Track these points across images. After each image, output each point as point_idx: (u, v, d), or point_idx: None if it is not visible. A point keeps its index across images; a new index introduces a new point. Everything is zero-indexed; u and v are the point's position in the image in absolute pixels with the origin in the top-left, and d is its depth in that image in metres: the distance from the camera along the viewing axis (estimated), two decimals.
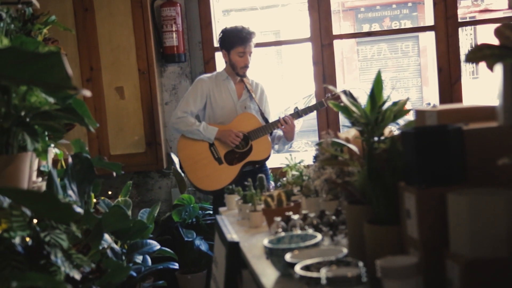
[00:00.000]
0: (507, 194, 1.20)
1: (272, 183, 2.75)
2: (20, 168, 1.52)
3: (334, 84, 4.41)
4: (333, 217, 1.94)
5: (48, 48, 1.68)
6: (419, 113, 1.62)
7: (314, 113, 4.19)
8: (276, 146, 4.00)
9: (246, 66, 3.82)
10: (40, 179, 1.99)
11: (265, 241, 1.74)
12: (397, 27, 16.68)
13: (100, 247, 2.06)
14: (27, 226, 1.40)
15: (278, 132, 3.96)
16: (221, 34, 3.87)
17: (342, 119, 4.26)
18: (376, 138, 1.62)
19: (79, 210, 1.25)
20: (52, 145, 2.05)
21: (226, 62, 3.90)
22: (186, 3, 4.44)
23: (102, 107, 4.23)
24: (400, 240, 1.42)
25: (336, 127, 4.34)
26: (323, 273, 1.28)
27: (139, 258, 3.56)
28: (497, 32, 1.27)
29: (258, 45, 4.00)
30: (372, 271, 1.36)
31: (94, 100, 4.20)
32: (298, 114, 3.84)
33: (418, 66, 17.54)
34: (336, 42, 4.45)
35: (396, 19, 17.72)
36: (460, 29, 4.37)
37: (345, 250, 1.59)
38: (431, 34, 4.44)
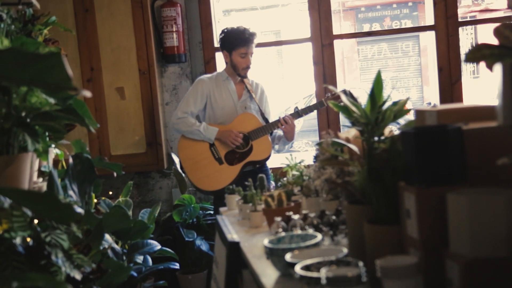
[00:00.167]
0: (507, 194, 1.20)
1: (273, 183, 2.75)
2: (20, 169, 1.52)
3: (335, 84, 4.41)
4: (333, 217, 1.94)
5: (48, 48, 1.68)
6: (419, 113, 1.62)
7: (315, 113, 4.20)
8: (277, 146, 4.00)
9: (247, 67, 3.83)
10: (41, 179, 1.99)
11: (265, 241, 1.74)
12: (398, 27, 16.68)
13: (101, 247, 2.06)
14: (28, 227, 1.40)
15: (279, 132, 3.96)
16: (222, 34, 3.87)
17: (343, 119, 4.26)
18: (376, 138, 1.62)
19: (79, 210, 1.25)
20: (53, 145, 2.06)
21: (226, 63, 3.90)
22: (186, 4, 4.44)
23: (103, 107, 4.24)
24: (400, 240, 1.42)
25: (336, 127, 4.34)
26: (323, 273, 1.28)
27: (139, 258, 3.57)
28: (496, 32, 1.27)
29: (258, 45, 4.00)
30: (372, 271, 1.36)
31: (95, 101, 4.20)
32: (298, 114, 3.84)
33: (419, 65, 17.55)
34: (336, 42, 4.45)
35: (397, 19, 17.72)
36: (460, 28, 4.37)
37: (345, 250, 1.60)
38: (432, 34, 4.44)
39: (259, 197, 2.40)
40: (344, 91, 3.65)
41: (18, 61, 1.08)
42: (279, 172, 2.91)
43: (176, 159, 4.20)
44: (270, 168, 3.99)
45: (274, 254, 1.67)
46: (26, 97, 1.52)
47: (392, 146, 1.48)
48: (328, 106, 3.88)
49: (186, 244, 4.09)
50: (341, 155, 1.89)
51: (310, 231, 1.86)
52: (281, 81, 17.01)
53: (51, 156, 2.08)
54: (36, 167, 1.85)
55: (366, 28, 17.46)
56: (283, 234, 1.83)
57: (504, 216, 1.18)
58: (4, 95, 1.47)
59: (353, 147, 1.74)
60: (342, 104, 1.70)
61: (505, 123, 1.31)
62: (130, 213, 3.46)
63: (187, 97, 3.85)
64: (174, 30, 4.30)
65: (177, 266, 3.87)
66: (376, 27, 17.45)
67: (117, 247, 3.10)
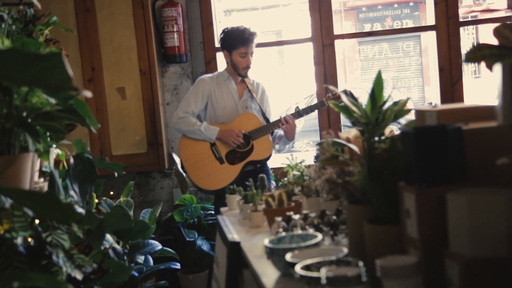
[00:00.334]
0: (507, 193, 1.20)
1: (274, 183, 2.75)
2: (21, 169, 1.52)
3: (336, 84, 4.41)
4: (334, 217, 1.94)
5: (49, 49, 1.69)
6: (419, 113, 1.63)
7: (316, 113, 4.20)
8: (277, 146, 4.00)
9: (247, 67, 3.83)
10: (42, 179, 1.99)
11: (266, 241, 1.75)
12: (399, 27, 16.67)
13: (102, 247, 2.06)
14: (29, 227, 1.40)
15: (279, 131, 3.96)
16: (223, 34, 3.87)
17: (343, 119, 4.26)
18: (376, 138, 1.62)
19: (80, 210, 1.26)
20: (54, 145, 2.06)
21: (227, 63, 3.91)
22: (187, 4, 4.45)
23: (104, 107, 4.24)
24: (400, 239, 1.42)
25: (337, 127, 4.34)
26: (323, 273, 1.28)
27: (141, 258, 3.57)
28: (496, 32, 1.27)
29: (259, 45, 4.01)
30: (372, 270, 1.36)
31: (96, 101, 4.21)
32: (299, 113, 3.84)
33: (420, 65, 17.54)
34: (337, 42, 4.45)
35: (398, 19, 17.71)
36: (461, 28, 4.37)
37: (345, 250, 1.60)
38: (433, 34, 4.44)
39: (259, 197, 2.40)
40: (345, 91, 3.65)
41: (18, 62, 1.08)
42: (280, 172, 2.92)
43: (177, 159, 4.21)
44: (271, 168, 3.99)
45: (274, 254, 1.67)
46: (27, 97, 1.52)
47: (392, 146, 1.48)
48: (329, 106, 3.88)
49: (187, 244, 4.09)
50: (341, 155, 1.89)
51: (311, 231, 1.86)
52: (282, 81, 17.01)
53: (52, 156, 2.08)
54: (37, 167, 1.85)
55: (367, 28, 17.45)
56: (283, 234, 1.84)
57: (503, 216, 1.18)
58: (5, 95, 1.48)
59: (354, 147, 1.74)
60: (342, 104, 1.70)
61: (504, 123, 1.31)
62: (131, 213, 3.46)
63: (188, 97, 3.86)
64: (175, 30, 4.31)
65: (178, 266, 3.88)
66: (377, 27, 17.44)
67: (118, 247, 3.11)
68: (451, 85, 4.32)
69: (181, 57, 4.37)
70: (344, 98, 1.68)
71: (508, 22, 1.31)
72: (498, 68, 1.29)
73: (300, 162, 2.69)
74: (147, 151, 4.27)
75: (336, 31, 4.45)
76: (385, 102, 1.63)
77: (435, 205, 1.29)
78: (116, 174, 2.35)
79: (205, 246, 4.07)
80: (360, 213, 1.57)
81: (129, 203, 3.63)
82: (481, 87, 14.11)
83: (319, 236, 1.74)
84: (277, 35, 16.93)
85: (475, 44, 1.29)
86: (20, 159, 1.51)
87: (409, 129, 1.39)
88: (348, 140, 1.91)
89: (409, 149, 1.36)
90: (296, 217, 1.98)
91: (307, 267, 1.45)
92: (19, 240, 1.43)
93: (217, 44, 4.39)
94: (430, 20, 4.17)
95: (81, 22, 4.20)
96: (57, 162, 2.33)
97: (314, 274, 1.39)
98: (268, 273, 1.72)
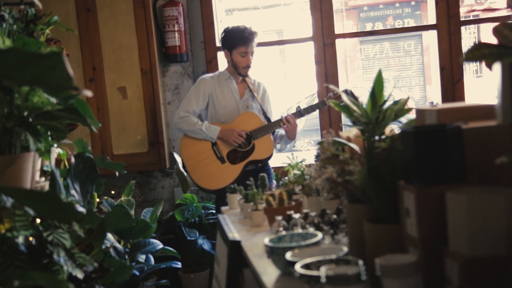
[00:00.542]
0: (506, 192, 1.20)
1: (275, 182, 2.76)
2: (23, 168, 1.53)
3: (337, 83, 4.41)
4: (334, 216, 1.94)
5: (50, 48, 1.69)
6: (419, 112, 1.63)
7: (316, 112, 4.20)
8: (278, 145, 4.01)
9: (248, 66, 3.83)
10: (43, 178, 2.00)
11: (266, 240, 1.75)
12: (401, 26, 16.66)
13: (103, 247, 2.07)
14: (30, 226, 1.41)
15: (280, 131, 3.96)
16: (223, 33, 3.88)
17: (344, 118, 4.27)
18: (377, 137, 1.62)
19: (81, 209, 1.26)
20: (55, 145, 2.06)
21: (228, 62, 3.91)
22: (188, 3, 4.45)
23: (105, 107, 4.25)
24: (400, 238, 1.42)
25: (338, 126, 4.34)
26: (323, 272, 1.28)
27: (142, 257, 3.58)
28: (496, 31, 1.27)
29: (260, 44, 4.01)
30: (372, 269, 1.37)
31: (97, 100, 4.22)
32: (300, 113, 3.85)
33: (421, 65, 17.53)
34: (339, 41, 4.45)
35: (400, 18, 17.70)
36: (463, 27, 4.37)
37: (345, 249, 1.60)
38: (434, 33, 4.44)
39: (260, 196, 2.41)
40: (345, 91, 3.66)
41: (19, 61, 1.09)
42: (281, 171, 2.92)
43: (178, 158, 4.21)
44: (272, 167, 4.00)
45: (274, 253, 1.68)
46: (28, 96, 1.53)
47: (392, 145, 1.49)
48: (330, 106, 3.89)
49: (188, 243, 4.10)
50: (342, 154, 1.90)
51: (311, 230, 1.87)
52: (283, 80, 17.01)
53: (53, 156, 2.09)
54: (38, 166, 1.85)
55: (368, 27, 17.44)
56: (283, 233, 1.84)
57: (503, 215, 1.18)
58: (6, 95, 1.48)
59: (354, 146, 1.74)
60: (343, 103, 1.70)
61: (504, 122, 1.31)
62: (132, 212, 3.46)
63: (189, 96, 3.86)
64: (176, 29, 4.31)
65: (179, 265, 3.88)
66: (379, 26, 17.43)
67: (119, 246, 3.11)
68: (452, 84, 4.31)
69: (182, 56, 4.37)
70: (344, 97, 1.68)
71: (509, 22, 1.31)
72: (497, 67, 1.29)
73: (301, 161, 2.69)
74: (148, 151, 4.28)
75: (338, 30, 4.45)
76: (385, 102, 1.64)
77: (434, 204, 1.29)
78: (117, 174, 2.36)
79: (206, 245, 4.07)
80: (360, 212, 1.57)
81: (130, 202, 3.64)
82: (482, 86, 14.09)
83: (319, 235, 1.74)
84: (278, 34, 16.93)
85: (476, 43, 1.29)
86: (21, 159, 1.51)
87: (408, 128, 1.39)
88: (348, 139, 1.91)
89: (409, 148, 1.36)
90: (297, 216, 1.99)
91: (307, 266, 1.46)
92: (20, 239, 1.44)
93: (218, 44, 4.40)
94: (432, 19, 4.17)
95: (82, 22, 4.20)
96: (58, 161, 2.34)
97: (314, 273, 1.40)
98: (269, 272, 1.72)
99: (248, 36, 3.77)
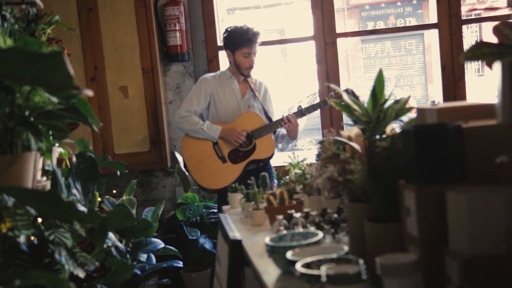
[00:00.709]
0: (506, 192, 1.20)
1: (276, 181, 2.76)
2: (24, 168, 1.53)
3: (338, 83, 4.41)
4: (335, 215, 1.95)
5: (51, 48, 1.70)
6: (420, 111, 1.63)
7: (318, 112, 4.20)
8: (280, 145, 4.01)
9: (251, 67, 3.83)
10: (44, 178, 2.00)
11: (267, 239, 1.75)
12: (402, 25, 16.65)
13: (105, 246, 2.08)
14: (32, 225, 1.41)
15: (282, 130, 3.96)
16: (226, 34, 3.87)
17: (346, 118, 4.26)
18: (377, 136, 1.62)
19: (82, 209, 1.26)
20: (57, 144, 2.07)
21: (230, 62, 3.91)
22: (189, 2, 4.45)
23: (106, 106, 4.25)
24: (400, 237, 1.43)
25: (339, 126, 4.34)
26: (323, 271, 1.29)
27: (143, 257, 3.58)
28: (496, 30, 1.27)
29: (262, 43, 4.01)
30: (372, 268, 1.37)
31: (98, 99, 4.22)
32: (301, 112, 3.85)
33: (423, 64, 17.52)
34: (340, 40, 4.45)
35: (401, 17, 17.69)
36: (465, 26, 4.36)
37: (346, 248, 1.60)
38: (435, 32, 4.43)
39: (261, 195, 2.41)
40: (346, 90, 3.66)
41: (20, 61, 1.09)
42: (282, 171, 2.92)
43: (179, 157, 4.22)
44: (273, 166, 4.00)
45: (275, 252, 1.68)
46: (29, 96, 1.53)
47: (392, 145, 1.49)
48: (331, 105, 3.89)
49: (189, 242, 4.10)
50: (342, 153, 1.90)
51: (312, 229, 1.87)
52: (285, 79, 17.01)
53: (55, 155, 2.09)
54: (39, 166, 1.86)
55: (370, 26, 17.43)
56: (284, 232, 1.84)
57: (503, 214, 1.19)
58: (7, 94, 1.49)
59: (355, 145, 1.74)
60: (344, 102, 1.70)
61: (504, 121, 1.31)
62: (133, 211, 3.47)
63: (191, 96, 3.86)
64: (177, 29, 4.31)
65: (180, 264, 3.89)
66: (381, 25, 17.42)
67: (120, 245, 3.12)
68: (453, 83, 4.31)
69: (184, 55, 4.38)
70: (345, 96, 1.68)
71: (509, 21, 1.31)
72: (497, 66, 1.29)
73: (302, 161, 2.69)
74: (150, 150, 4.28)
75: (339, 29, 4.45)
76: (386, 101, 1.64)
77: (435, 203, 1.30)
78: (118, 173, 2.37)
79: (207, 245, 4.08)
80: (361, 211, 1.57)
81: (131, 201, 3.64)
82: (484, 85, 14.08)
83: (320, 234, 1.74)
84: (280, 34, 16.93)
85: (477, 42, 1.29)
86: (22, 158, 1.52)
87: (409, 127, 1.40)
88: (349, 138, 1.92)
89: (409, 147, 1.36)
90: (298, 215, 1.99)
91: (307, 265, 1.46)
92: (21, 239, 1.44)
93: (220, 43, 4.40)
94: (433, 18, 4.17)
95: (84, 21, 4.21)
96: (59, 160, 2.34)
97: (314, 272, 1.40)
98: (269, 271, 1.72)
99: (251, 37, 3.76)
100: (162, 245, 3.58)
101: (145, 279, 3.62)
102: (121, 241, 3.33)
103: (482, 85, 14.02)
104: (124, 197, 3.69)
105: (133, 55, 4.24)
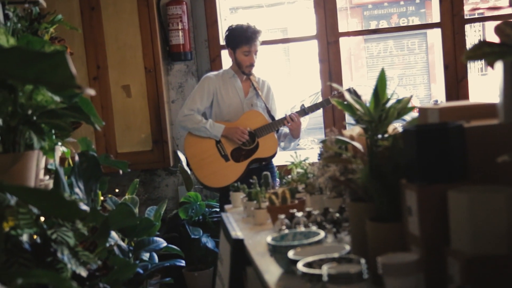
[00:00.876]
0: (508, 191, 1.20)
1: (278, 180, 2.76)
2: (27, 166, 1.53)
3: (341, 82, 4.41)
4: (337, 215, 1.95)
5: (53, 47, 1.70)
6: (422, 111, 1.63)
7: (321, 111, 4.20)
8: (282, 144, 4.01)
9: (251, 65, 3.83)
10: (47, 177, 2.01)
11: (269, 238, 1.75)
12: (405, 24, 16.63)
13: (107, 245, 2.07)
14: (34, 224, 1.41)
15: (284, 129, 3.97)
16: (227, 32, 3.88)
17: (348, 117, 4.26)
18: (380, 136, 1.62)
19: (84, 207, 1.27)
20: (59, 143, 2.07)
21: (232, 60, 3.92)
22: (192, 2, 4.45)
23: (109, 105, 4.26)
24: (402, 237, 1.43)
25: (342, 125, 4.34)
26: (324, 270, 1.29)
27: (146, 256, 3.58)
28: (497, 30, 1.27)
29: (265, 42, 4.01)
30: (374, 268, 1.37)
31: (101, 99, 4.23)
32: (304, 111, 3.85)
33: (426, 63, 17.49)
34: (343, 39, 4.45)
35: (404, 16, 17.66)
36: (468, 26, 4.36)
37: (347, 247, 1.60)
38: (438, 31, 4.43)
39: (263, 194, 2.41)
40: (349, 89, 3.66)
41: (22, 60, 1.09)
42: (284, 170, 2.92)
43: (182, 156, 4.22)
44: (276, 166, 4.00)
45: (277, 251, 1.68)
46: (32, 95, 1.54)
47: (394, 144, 1.49)
48: (333, 104, 3.88)
49: (192, 241, 4.10)
50: (344, 152, 1.90)
51: (314, 228, 1.87)
52: (288, 78, 17.00)
53: (58, 154, 2.10)
54: (42, 164, 1.86)
55: (373, 25, 17.40)
56: (286, 231, 1.85)
57: (504, 214, 1.19)
58: (10, 93, 1.49)
59: (357, 145, 1.74)
60: (346, 102, 1.70)
61: (506, 121, 1.31)
62: (136, 210, 3.47)
63: (194, 95, 3.87)
64: (180, 28, 4.32)
65: (183, 263, 3.89)
66: (384, 24, 17.39)
67: (123, 244, 3.12)
68: (456, 83, 4.31)
69: (186, 55, 4.38)
70: (347, 96, 1.68)
71: (509, 20, 1.31)
72: (499, 66, 1.29)
73: (304, 160, 2.69)
74: (152, 149, 4.29)
75: (342, 29, 4.45)
76: (388, 100, 1.64)
77: (436, 203, 1.30)
78: (121, 172, 2.37)
79: (210, 244, 4.08)
80: (363, 211, 1.57)
81: (134, 200, 3.65)
82: (488, 84, 14.05)
83: (322, 234, 1.74)
84: (282, 33, 16.91)
85: (479, 41, 1.29)
86: (25, 157, 1.52)
87: (410, 127, 1.40)
88: (352, 137, 1.91)
89: (411, 147, 1.36)
90: (299, 214, 1.99)
91: (309, 265, 1.46)
92: (24, 237, 1.44)
93: (222, 42, 4.40)
94: (436, 17, 4.16)
95: (86, 20, 4.21)
96: (62, 159, 2.35)
97: (316, 271, 1.40)
98: (271, 270, 1.73)
99: (251, 35, 3.76)
100: (164, 244, 3.58)
101: (147, 278, 3.62)
102: (123, 240, 3.33)
103: (485, 84, 14.00)
104: (126, 196, 3.70)
105: (135, 54, 4.24)
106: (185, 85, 4.50)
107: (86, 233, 1.71)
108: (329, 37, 4.40)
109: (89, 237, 1.82)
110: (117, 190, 4.13)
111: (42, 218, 1.54)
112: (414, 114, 1.79)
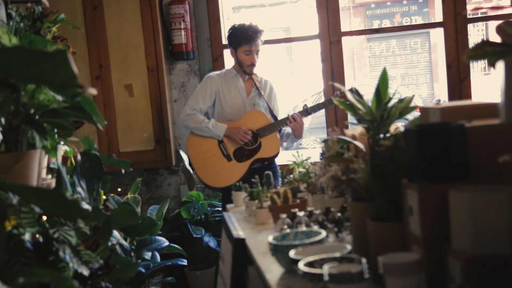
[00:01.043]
0: (509, 191, 1.20)
1: (281, 180, 2.76)
2: (29, 166, 1.54)
3: (343, 81, 4.41)
4: (339, 214, 1.95)
5: (56, 46, 1.71)
6: (423, 110, 1.63)
7: (323, 110, 4.20)
8: (285, 144, 4.01)
9: (252, 65, 3.83)
10: (49, 176, 2.01)
11: (270, 238, 1.76)
12: (408, 23, 16.62)
13: (109, 244, 2.08)
14: (36, 223, 1.42)
15: (287, 129, 3.97)
16: (229, 31, 3.88)
17: (351, 117, 4.26)
18: (381, 135, 1.62)
19: (86, 206, 1.27)
20: (61, 142, 2.08)
21: (234, 60, 3.92)
22: (194, 1, 4.46)
23: (111, 104, 4.27)
24: (403, 237, 1.43)
25: (344, 124, 4.34)
26: (326, 270, 1.29)
27: (148, 255, 3.59)
28: (499, 30, 1.27)
29: (267, 42, 4.01)
30: (375, 267, 1.37)
31: (103, 98, 4.24)
32: (306, 111, 3.85)
33: (429, 62, 17.48)
34: (346, 39, 4.44)
35: (407, 15, 17.65)
36: (472, 25, 4.36)
37: (348, 247, 1.61)
38: (441, 31, 4.42)
39: (265, 194, 2.41)
40: (351, 89, 3.66)
41: (24, 59, 1.10)
42: (286, 169, 2.92)
43: (184, 156, 4.23)
44: (278, 165, 4.00)
45: (278, 251, 1.68)
46: (34, 94, 1.54)
47: (395, 144, 1.49)
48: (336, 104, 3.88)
49: (194, 240, 4.11)
50: (346, 152, 1.90)
51: (315, 228, 1.87)
52: (290, 77, 17.00)
53: (60, 153, 2.10)
54: (44, 164, 1.87)
55: (376, 24, 17.39)
56: (288, 230, 1.85)
57: (506, 214, 1.18)
58: (12, 93, 1.49)
59: (359, 144, 1.74)
60: (348, 102, 1.70)
61: (507, 121, 1.31)
62: (138, 209, 3.48)
63: (196, 94, 3.87)
64: (182, 27, 4.32)
65: (185, 262, 3.90)
66: (386, 23, 17.39)
67: (125, 243, 3.12)
68: (459, 82, 4.30)
69: (188, 54, 4.38)
70: (349, 95, 1.68)
71: (511, 20, 1.31)
72: (501, 65, 1.29)
73: (306, 159, 2.70)
74: (155, 148, 4.29)
75: (345, 28, 4.45)
76: (390, 100, 1.64)
77: (437, 203, 1.30)
78: (123, 171, 2.37)
79: (212, 243, 4.09)
80: (364, 210, 1.57)
81: (136, 199, 3.65)
82: (490, 83, 14.03)
83: (323, 233, 1.75)
84: (285, 32, 16.91)
85: (482, 41, 1.28)
86: (27, 156, 1.53)
87: (411, 126, 1.40)
88: (353, 137, 1.92)
89: (412, 146, 1.36)
90: (301, 214, 1.99)
91: (310, 264, 1.46)
92: (26, 236, 1.45)
93: (225, 41, 4.40)
94: (439, 16, 4.15)
95: (89, 20, 4.22)
96: (64, 158, 2.35)
97: (317, 270, 1.40)
98: (272, 269, 1.73)
99: (252, 35, 3.76)
100: (166, 243, 3.59)
101: (149, 277, 3.63)
102: (125, 239, 3.34)
103: (488, 83, 13.98)
104: (128, 195, 3.70)
105: (138, 53, 4.25)
106: (187, 85, 4.51)
107: (88, 232, 1.71)
108: (331, 36, 4.40)
109: (91, 236, 1.82)
110: (119, 189, 4.14)
111: (44, 217, 1.54)
112: (417, 113, 1.79)
